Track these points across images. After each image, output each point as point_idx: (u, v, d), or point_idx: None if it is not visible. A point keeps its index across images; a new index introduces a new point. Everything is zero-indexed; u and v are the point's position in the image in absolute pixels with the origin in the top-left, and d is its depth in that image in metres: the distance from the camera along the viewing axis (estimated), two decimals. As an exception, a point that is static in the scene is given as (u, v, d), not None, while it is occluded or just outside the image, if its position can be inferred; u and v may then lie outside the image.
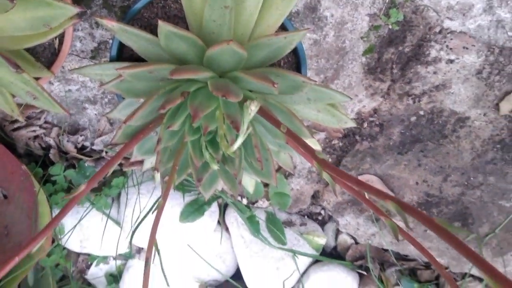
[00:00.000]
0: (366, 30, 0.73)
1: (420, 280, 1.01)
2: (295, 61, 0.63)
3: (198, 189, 0.62)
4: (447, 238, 0.27)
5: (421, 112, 0.82)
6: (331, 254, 1.00)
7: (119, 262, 0.97)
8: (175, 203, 0.86)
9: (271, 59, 0.53)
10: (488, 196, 0.91)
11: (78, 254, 0.95)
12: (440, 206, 0.92)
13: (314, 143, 0.65)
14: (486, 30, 0.73)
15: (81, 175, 0.81)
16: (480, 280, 1.05)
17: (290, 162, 0.65)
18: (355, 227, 0.96)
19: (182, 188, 0.85)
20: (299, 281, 0.93)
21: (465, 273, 1.02)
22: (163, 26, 0.46)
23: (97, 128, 0.81)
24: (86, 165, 0.82)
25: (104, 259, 0.95)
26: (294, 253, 0.90)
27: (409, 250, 0.99)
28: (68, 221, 0.86)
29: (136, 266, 0.94)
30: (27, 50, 0.57)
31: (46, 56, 0.59)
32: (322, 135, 0.86)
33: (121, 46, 0.60)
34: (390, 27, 0.72)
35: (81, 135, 0.80)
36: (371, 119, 0.84)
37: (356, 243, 1.00)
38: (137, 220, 0.79)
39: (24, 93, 0.53)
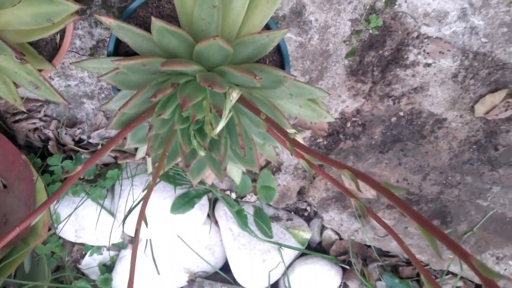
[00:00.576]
0: (348, 34, 0.78)
1: (402, 276, 1.05)
2: (279, 60, 0.68)
3: (187, 175, 0.66)
4: (392, 198, 0.31)
5: (401, 113, 0.87)
6: (316, 249, 1.04)
7: (112, 253, 1.00)
8: (167, 195, 0.90)
9: (256, 56, 0.58)
10: (466, 195, 0.96)
11: (73, 244, 0.99)
12: (420, 204, 0.97)
13: (297, 137, 0.70)
14: (461, 36, 0.78)
15: (77, 166, 0.86)
16: (461, 277, 1.10)
17: (274, 154, 0.70)
18: (338, 223, 1.00)
19: (174, 181, 0.90)
20: (285, 273, 0.98)
21: (445, 271, 1.06)
22: (156, 22, 0.51)
23: (94, 122, 0.86)
24: (82, 157, 0.86)
25: (98, 249, 0.99)
26: (280, 245, 0.94)
27: (391, 246, 1.04)
28: (64, 211, 0.90)
29: (128, 256, 0.98)
30: (31, 44, 0.62)
31: (48, 50, 0.64)
32: (307, 133, 0.91)
33: (118, 43, 0.64)
34: (371, 31, 0.77)
35: (78, 128, 0.85)
36: (354, 119, 0.89)
37: (340, 238, 1.04)
38: (129, 209, 0.84)
39: (27, 82, 0.57)
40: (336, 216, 1.00)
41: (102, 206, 0.88)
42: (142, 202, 0.52)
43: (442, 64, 0.81)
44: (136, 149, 0.78)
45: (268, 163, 0.93)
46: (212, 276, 1.02)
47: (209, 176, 0.92)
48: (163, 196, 0.89)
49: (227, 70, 0.54)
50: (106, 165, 0.90)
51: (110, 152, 0.87)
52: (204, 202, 0.94)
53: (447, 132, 0.88)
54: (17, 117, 0.83)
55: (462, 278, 1.09)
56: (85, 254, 1.00)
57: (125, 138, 0.88)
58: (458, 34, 0.78)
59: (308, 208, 1.01)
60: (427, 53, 0.79)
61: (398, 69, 0.81)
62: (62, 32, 0.63)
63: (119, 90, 0.63)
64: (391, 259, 1.05)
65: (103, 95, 0.83)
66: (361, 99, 0.86)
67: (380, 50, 0.80)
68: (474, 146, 0.89)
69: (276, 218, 0.99)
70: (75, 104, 0.84)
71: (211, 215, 0.98)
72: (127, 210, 0.88)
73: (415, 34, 0.78)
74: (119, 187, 0.89)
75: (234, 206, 0.94)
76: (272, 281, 0.99)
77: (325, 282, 0.97)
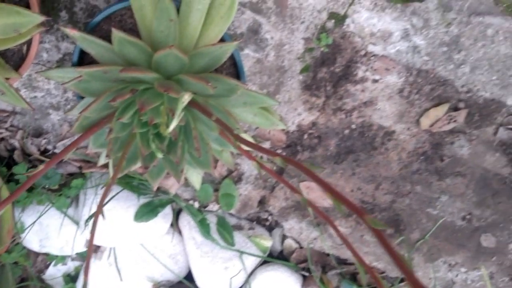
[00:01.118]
0: (301, 52, 0.84)
1: (360, 283, 1.10)
2: (235, 72, 0.73)
3: (146, 177, 0.70)
4: (318, 180, 0.36)
5: (353, 126, 0.93)
6: (278, 258, 1.07)
7: (77, 263, 1.02)
8: (131, 204, 0.93)
9: (212, 66, 0.63)
10: (416, 204, 1.02)
11: (38, 254, 1.00)
12: (374, 213, 1.02)
13: (244, 137, 0.75)
14: (405, 54, 0.85)
15: (43, 176, 0.88)
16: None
17: (232, 161, 0.74)
18: (298, 231, 1.05)
19: (138, 190, 0.93)
20: (247, 281, 1.01)
21: (399, 278, 1.11)
22: (116, 33, 0.55)
23: (59, 133, 0.89)
24: (48, 166, 0.89)
25: (63, 259, 1.00)
26: (241, 253, 0.98)
27: (348, 254, 1.08)
28: (28, 219, 0.92)
29: (92, 266, 0.99)
30: (-2, 54, 0.65)
31: (14, 60, 0.67)
32: (267, 144, 0.96)
33: (82, 55, 0.68)
34: (322, 49, 0.84)
35: (44, 139, 0.88)
36: (310, 131, 0.94)
37: (301, 247, 1.08)
38: (91, 215, 0.86)
39: (-7, 89, 0.60)
40: (296, 225, 1.04)
41: (66, 214, 0.90)
42: (99, 199, 0.55)
43: (389, 80, 0.87)
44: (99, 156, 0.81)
45: (229, 173, 0.97)
46: (176, 286, 1.05)
47: (173, 186, 0.96)
48: (127, 205, 0.92)
49: (183, 78, 0.59)
50: (71, 175, 0.92)
51: (74, 162, 0.90)
52: (167, 211, 0.97)
53: (396, 144, 0.94)
54: (-16, 127, 0.86)
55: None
56: (50, 264, 1.01)
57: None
58: (402, 52, 0.85)
59: (270, 217, 1.06)
60: (374, 69, 0.86)
61: (348, 84, 0.88)
62: (29, 43, 0.67)
63: (82, 98, 0.67)
64: (349, 266, 1.09)
65: (68, 106, 0.86)
66: (316, 113, 0.91)
67: (332, 67, 0.86)
68: (422, 157, 0.96)
69: (239, 227, 1.02)
70: (41, 115, 0.87)
71: (174, 225, 1.01)
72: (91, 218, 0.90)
73: (362, 52, 0.85)
74: (83, 196, 0.91)
75: (197, 216, 0.98)
76: (234, 288, 1.02)
77: (285, 289, 1.01)
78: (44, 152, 0.91)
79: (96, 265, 0.99)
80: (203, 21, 0.62)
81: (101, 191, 0.91)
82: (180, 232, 1.02)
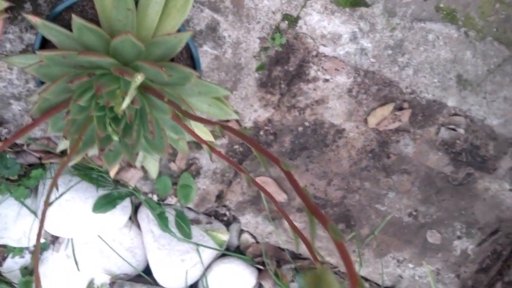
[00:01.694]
0: (257, 50, 0.90)
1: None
2: (192, 64, 0.77)
3: (102, 161, 0.73)
4: (241, 136, 0.40)
5: (306, 123, 0.98)
6: (235, 252, 1.11)
7: (33, 256, 1.02)
8: (90, 196, 0.95)
9: (168, 56, 0.67)
10: (366, 200, 1.07)
11: (-6, 246, 1.00)
12: (326, 208, 1.07)
13: (206, 133, 0.79)
14: (353, 56, 0.91)
15: (2, 165, 0.89)
16: (366, 279, 1.20)
17: (187, 149, 0.78)
18: (254, 226, 1.09)
19: (97, 182, 0.95)
20: (203, 274, 1.04)
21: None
22: (76, 20, 0.59)
23: (20, 123, 0.90)
24: (7, 156, 0.90)
25: (20, 251, 1.01)
26: (198, 245, 1.01)
27: (303, 249, 1.13)
28: (-14, 210, 0.92)
29: (50, 258, 1.00)
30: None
31: (-23, 46, 0.69)
32: (225, 141, 1.00)
33: (44, 43, 0.71)
34: (276, 49, 0.89)
35: (5, 128, 0.89)
36: (266, 128, 0.99)
37: (257, 242, 1.12)
38: (50, 202, 0.88)
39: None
40: (252, 219, 1.08)
41: (24, 204, 0.91)
42: (52, 179, 0.58)
43: (339, 80, 0.93)
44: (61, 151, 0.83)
45: (188, 167, 1.01)
46: (134, 279, 1.06)
47: (132, 178, 0.98)
48: (86, 196, 0.94)
49: (139, 64, 0.63)
50: (31, 166, 0.94)
51: (34, 152, 0.92)
52: (126, 204, 1.00)
53: (346, 142, 1.00)
54: None
55: (368, 280, 1.20)
56: (7, 257, 1.01)
57: (50, 139, 0.94)
58: (350, 54, 0.91)
59: (227, 213, 1.09)
60: (325, 69, 0.92)
61: (301, 83, 0.93)
62: (-8, 30, 0.70)
63: (43, 83, 0.70)
64: (303, 261, 1.14)
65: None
66: (271, 109, 0.96)
67: (286, 66, 0.91)
68: (370, 154, 1.02)
69: (197, 221, 1.05)
70: (3, 104, 0.89)
71: (133, 218, 1.03)
72: (49, 209, 0.92)
73: (314, 53, 0.90)
74: (42, 186, 0.93)
75: (156, 209, 1.00)
76: (192, 281, 1.04)
77: (240, 282, 1.04)
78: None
79: (54, 257, 1.00)
80: (161, 13, 0.67)
81: (60, 182, 0.93)
82: (138, 226, 1.04)
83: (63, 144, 0.75)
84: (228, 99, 0.94)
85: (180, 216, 1.02)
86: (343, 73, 0.93)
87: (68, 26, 0.71)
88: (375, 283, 1.19)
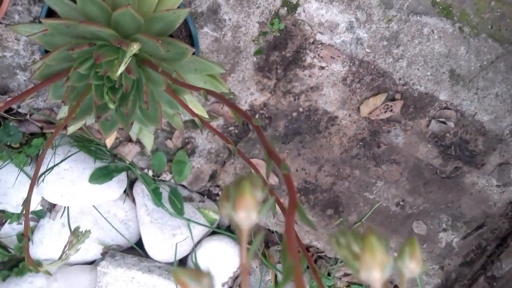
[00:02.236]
0: (256, 35, 0.92)
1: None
2: (190, 43, 0.80)
3: (99, 130, 0.76)
4: (217, 96, 0.43)
5: (300, 109, 1.01)
6: (225, 231, 1.14)
7: (32, 223, 1.06)
8: (87, 167, 0.98)
9: (167, 31, 0.70)
10: (355, 187, 1.10)
11: (-7, 211, 1.04)
12: (316, 193, 1.11)
13: (202, 111, 0.82)
14: (349, 45, 0.94)
15: (5, 133, 0.93)
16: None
17: (182, 125, 0.81)
18: (245, 206, 1.12)
19: (95, 154, 0.98)
20: (193, 249, 1.07)
21: (339, 258, 1.20)
22: (80, -9, 0.62)
23: (24, 93, 0.94)
24: (11, 124, 0.94)
25: (18, 218, 1.04)
26: (189, 221, 1.04)
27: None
28: (-13, 175, 0.96)
29: (46, 226, 1.04)
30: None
31: (-14, 13, 0.73)
32: (220, 121, 1.03)
33: (50, 14, 0.75)
34: (275, 34, 0.92)
35: (9, 97, 0.92)
36: (261, 111, 1.02)
37: (247, 223, 1.15)
38: (48, 168, 0.91)
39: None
40: (243, 200, 1.11)
41: (22, 170, 0.95)
42: (48, 140, 0.61)
43: (334, 68, 0.96)
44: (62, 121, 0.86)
45: (184, 145, 1.04)
46: (126, 251, 1.10)
47: (129, 153, 1.02)
48: (83, 167, 0.98)
49: (138, 37, 0.66)
50: (32, 135, 0.97)
51: (37, 122, 0.95)
52: (122, 177, 1.03)
53: (338, 129, 1.03)
54: (-49, 82, 0.90)
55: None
56: (5, 222, 1.05)
57: (53, 111, 0.97)
58: (346, 43, 0.94)
59: (220, 192, 1.12)
60: (321, 57, 0.95)
61: (297, 69, 0.96)
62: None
63: (46, 52, 0.73)
64: (291, 244, 1.17)
65: (35, 67, 0.92)
66: (267, 94, 0.99)
67: (283, 51, 0.94)
68: (361, 143, 1.04)
69: (190, 199, 1.09)
70: (8, 74, 0.92)
71: (128, 192, 1.06)
72: (48, 177, 0.95)
73: (311, 40, 0.93)
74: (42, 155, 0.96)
75: (150, 184, 1.04)
76: (181, 256, 1.08)
77: (228, 258, 1.07)
78: (8, 111, 0.95)
79: (50, 224, 1.04)
80: (162, -10, 0.69)
81: (59, 152, 0.97)
82: (133, 200, 1.08)
83: (63, 112, 0.78)
84: (226, 80, 0.97)
85: (173, 192, 1.05)
86: (338, 62, 0.95)
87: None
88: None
